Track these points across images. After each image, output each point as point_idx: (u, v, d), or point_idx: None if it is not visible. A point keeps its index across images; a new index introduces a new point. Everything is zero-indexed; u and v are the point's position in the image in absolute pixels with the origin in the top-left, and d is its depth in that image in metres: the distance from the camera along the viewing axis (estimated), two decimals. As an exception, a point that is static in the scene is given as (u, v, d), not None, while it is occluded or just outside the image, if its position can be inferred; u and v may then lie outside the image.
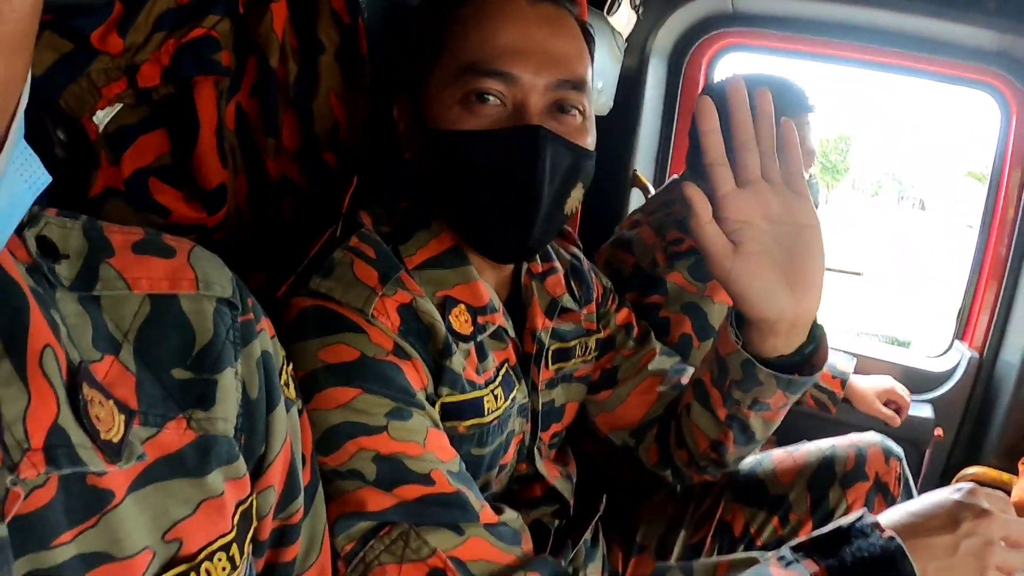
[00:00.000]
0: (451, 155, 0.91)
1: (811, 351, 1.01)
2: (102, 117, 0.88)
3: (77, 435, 0.46)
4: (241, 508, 0.59)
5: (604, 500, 1.23)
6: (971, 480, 2.06)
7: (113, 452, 0.48)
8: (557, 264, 1.17)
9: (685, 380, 1.26)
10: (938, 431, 2.18)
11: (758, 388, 1.02)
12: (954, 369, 2.30)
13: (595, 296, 1.25)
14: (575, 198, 0.96)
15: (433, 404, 0.91)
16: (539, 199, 0.91)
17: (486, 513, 0.86)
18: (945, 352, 2.39)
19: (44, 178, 0.41)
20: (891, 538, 0.77)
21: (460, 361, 0.93)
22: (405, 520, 0.80)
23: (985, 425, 2.24)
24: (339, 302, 0.85)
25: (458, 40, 0.92)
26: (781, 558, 0.81)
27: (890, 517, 0.83)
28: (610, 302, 1.29)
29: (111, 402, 0.49)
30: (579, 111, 0.94)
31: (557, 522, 1.17)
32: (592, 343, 1.23)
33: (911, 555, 0.76)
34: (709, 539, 1.34)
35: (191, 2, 0.89)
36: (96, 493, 0.48)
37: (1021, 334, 2.14)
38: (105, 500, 0.48)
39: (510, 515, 0.89)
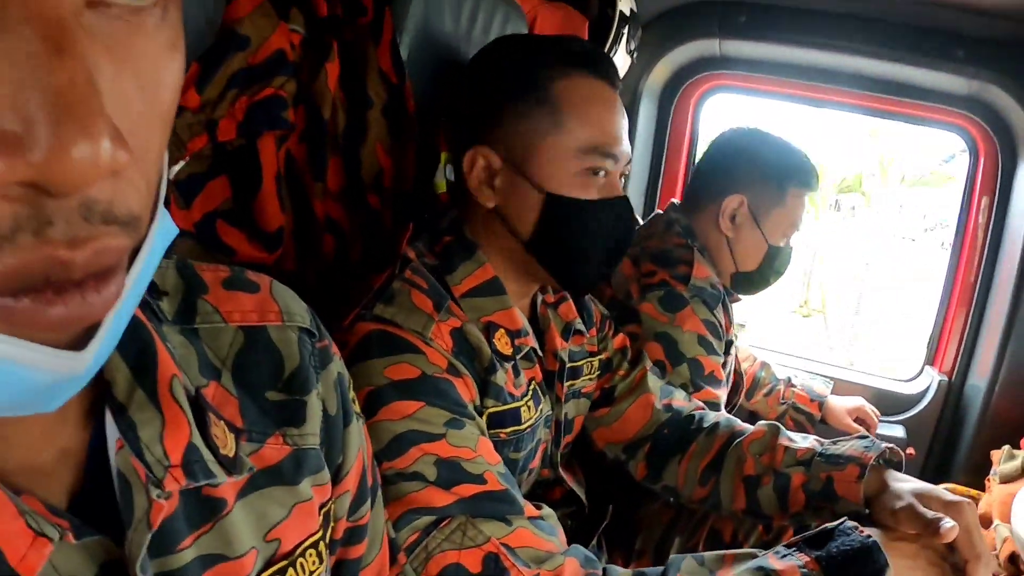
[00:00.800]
0: (571, 218, 1.09)
1: None
2: (175, 166, 0.98)
3: (206, 452, 0.52)
4: (324, 510, 0.66)
5: (611, 510, 1.35)
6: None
7: (230, 465, 0.54)
8: (565, 293, 1.31)
9: (676, 403, 1.39)
10: (910, 451, 2.30)
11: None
12: (924, 392, 2.43)
13: (595, 322, 1.39)
14: None
15: (480, 415, 1.04)
16: (624, 250, 1.14)
17: (528, 508, 0.97)
18: (916, 376, 2.52)
19: (174, 229, 0.44)
20: (868, 536, 0.90)
21: (503, 376, 1.07)
22: (463, 513, 0.91)
23: (954, 445, 2.36)
24: (401, 326, 0.97)
25: (576, 120, 1.07)
26: (776, 552, 0.93)
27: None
28: (607, 327, 1.43)
29: (222, 422, 0.56)
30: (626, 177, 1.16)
31: (571, 523, 1.30)
32: (596, 363, 1.37)
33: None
34: (702, 544, 1.45)
35: (261, 63, 1.00)
36: (211, 502, 0.53)
37: (988, 358, 2.25)
38: (219, 508, 0.54)
39: (547, 511, 1.01)
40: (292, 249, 1.13)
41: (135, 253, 0.38)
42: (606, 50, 1.99)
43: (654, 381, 1.40)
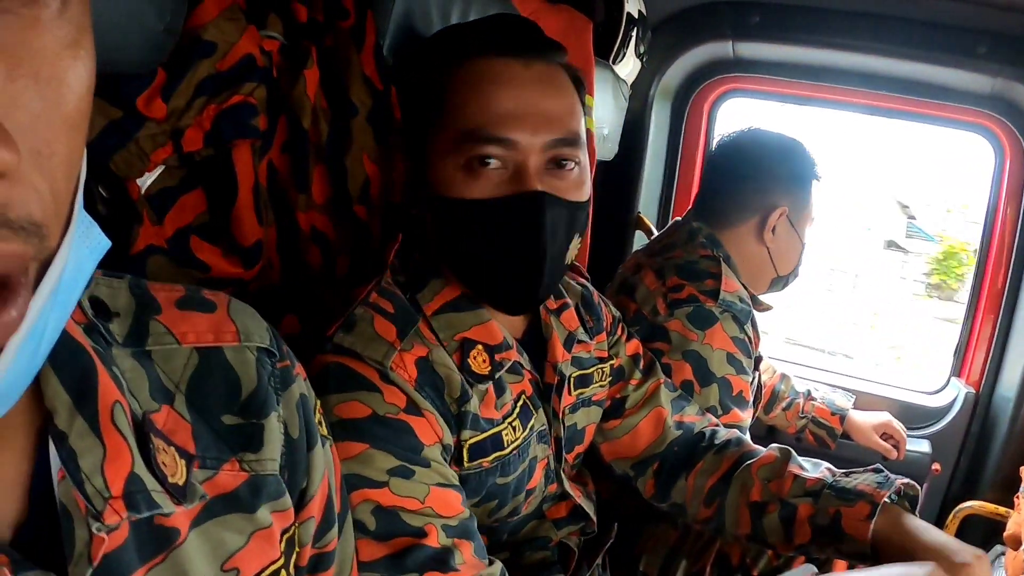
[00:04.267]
0: (458, 223, 0.97)
1: None
2: (145, 179, 0.94)
3: (150, 481, 0.50)
4: (286, 535, 0.63)
5: (615, 528, 1.29)
6: (968, 514, 2.11)
7: (179, 494, 0.52)
8: (568, 300, 1.23)
9: (687, 419, 1.33)
10: (935, 466, 2.22)
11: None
12: (951, 405, 2.34)
13: (605, 326, 1.31)
14: (574, 248, 1.02)
15: (459, 450, 0.97)
16: (543, 259, 0.97)
17: (470, 566, 0.90)
18: (942, 388, 2.43)
19: (104, 243, 0.43)
20: None
21: (476, 403, 0.99)
22: (381, 571, 0.85)
23: (982, 460, 2.27)
24: (360, 356, 0.91)
25: (456, 106, 0.95)
26: None
27: None
28: (619, 331, 1.35)
29: (172, 449, 0.54)
30: (575, 163, 0.99)
31: (578, 540, 1.23)
32: (607, 369, 1.29)
33: None
34: (708, 568, 1.39)
35: (229, 69, 0.96)
36: (163, 532, 0.51)
37: (1016, 369, 2.17)
38: (172, 538, 0.52)
39: (494, 569, 0.94)
40: (277, 263, 1.09)
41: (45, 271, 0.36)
42: (613, 53, 1.94)
43: (667, 395, 1.33)
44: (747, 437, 1.35)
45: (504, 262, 0.98)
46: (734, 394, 1.51)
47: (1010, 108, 2.17)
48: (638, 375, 1.34)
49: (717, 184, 1.78)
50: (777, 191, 1.68)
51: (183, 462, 0.54)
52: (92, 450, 0.47)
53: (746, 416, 1.54)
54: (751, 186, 1.71)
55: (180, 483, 0.53)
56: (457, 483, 0.95)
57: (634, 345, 1.36)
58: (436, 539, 0.88)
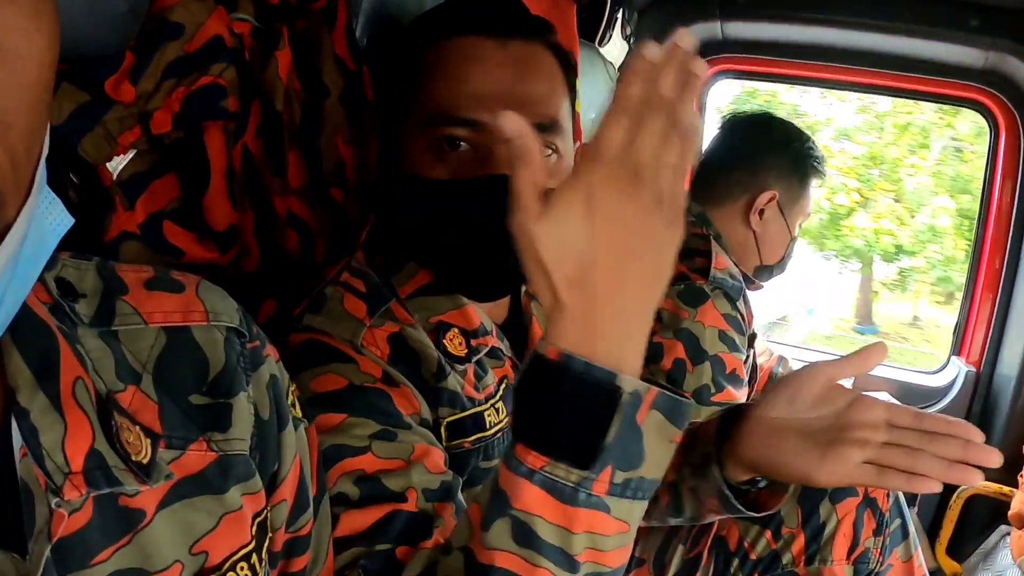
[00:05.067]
0: (424, 203, 0.95)
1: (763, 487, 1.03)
2: (116, 164, 0.93)
3: (112, 458, 0.50)
4: (258, 520, 0.62)
5: None
6: (972, 495, 2.09)
7: (144, 472, 0.51)
8: None
9: None
10: (936, 446, 2.20)
11: (705, 484, 1.00)
12: (951, 384, 2.33)
13: None
14: None
15: (438, 426, 0.94)
16: (508, 247, 0.86)
17: (440, 533, 0.86)
18: (942, 368, 2.42)
19: (67, 220, 0.43)
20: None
21: (457, 380, 0.96)
22: (363, 545, 0.81)
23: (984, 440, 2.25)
24: (330, 335, 0.89)
25: (428, 87, 0.94)
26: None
27: None
28: None
29: (137, 428, 0.53)
30: (552, 150, 0.95)
31: None
32: None
33: None
34: (706, 553, 1.37)
35: (197, 51, 0.94)
36: (128, 513, 0.51)
37: (1017, 347, 2.17)
38: (137, 519, 0.51)
39: None
40: (255, 248, 1.08)
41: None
42: (599, 37, 1.92)
43: None
44: None
45: (468, 247, 0.95)
46: (727, 372, 1.50)
47: (1004, 82, 2.16)
48: None
49: (713, 160, 1.78)
50: (770, 175, 1.68)
51: (148, 441, 0.53)
52: (53, 426, 0.47)
53: (740, 394, 1.52)
54: (744, 165, 1.71)
55: (144, 462, 0.52)
56: (441, 446, 0.92)
57: None
58: (415, 504, 0.85)
